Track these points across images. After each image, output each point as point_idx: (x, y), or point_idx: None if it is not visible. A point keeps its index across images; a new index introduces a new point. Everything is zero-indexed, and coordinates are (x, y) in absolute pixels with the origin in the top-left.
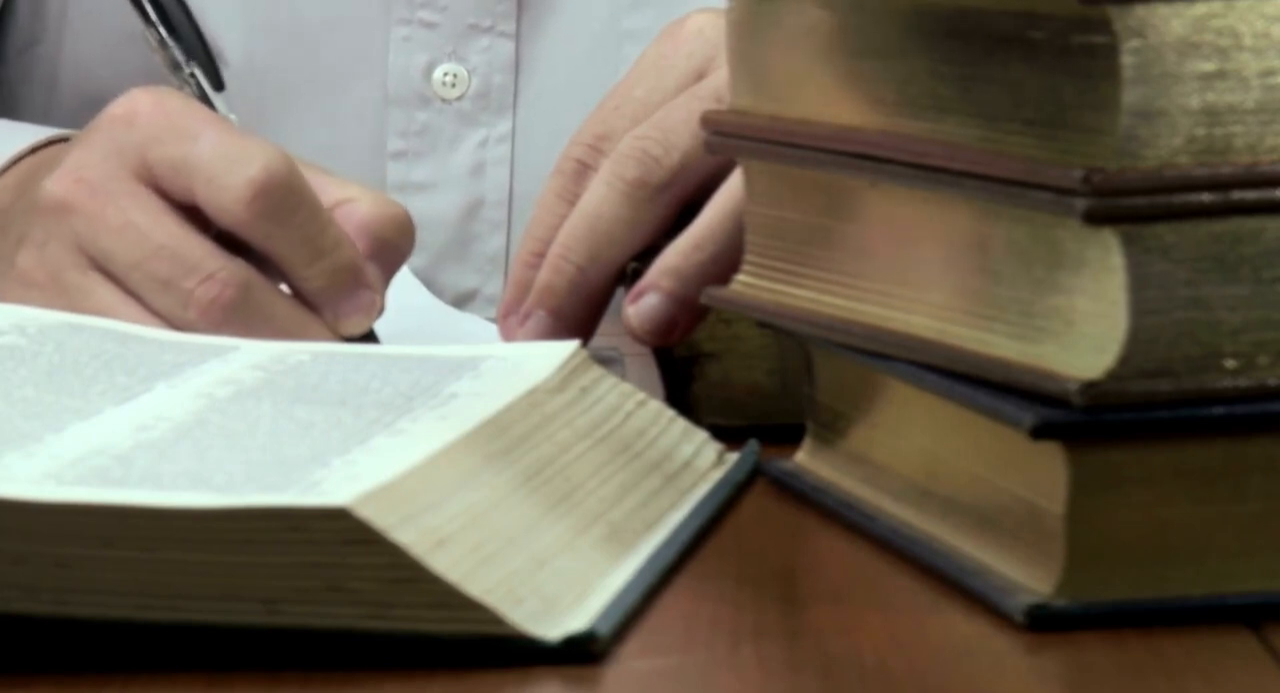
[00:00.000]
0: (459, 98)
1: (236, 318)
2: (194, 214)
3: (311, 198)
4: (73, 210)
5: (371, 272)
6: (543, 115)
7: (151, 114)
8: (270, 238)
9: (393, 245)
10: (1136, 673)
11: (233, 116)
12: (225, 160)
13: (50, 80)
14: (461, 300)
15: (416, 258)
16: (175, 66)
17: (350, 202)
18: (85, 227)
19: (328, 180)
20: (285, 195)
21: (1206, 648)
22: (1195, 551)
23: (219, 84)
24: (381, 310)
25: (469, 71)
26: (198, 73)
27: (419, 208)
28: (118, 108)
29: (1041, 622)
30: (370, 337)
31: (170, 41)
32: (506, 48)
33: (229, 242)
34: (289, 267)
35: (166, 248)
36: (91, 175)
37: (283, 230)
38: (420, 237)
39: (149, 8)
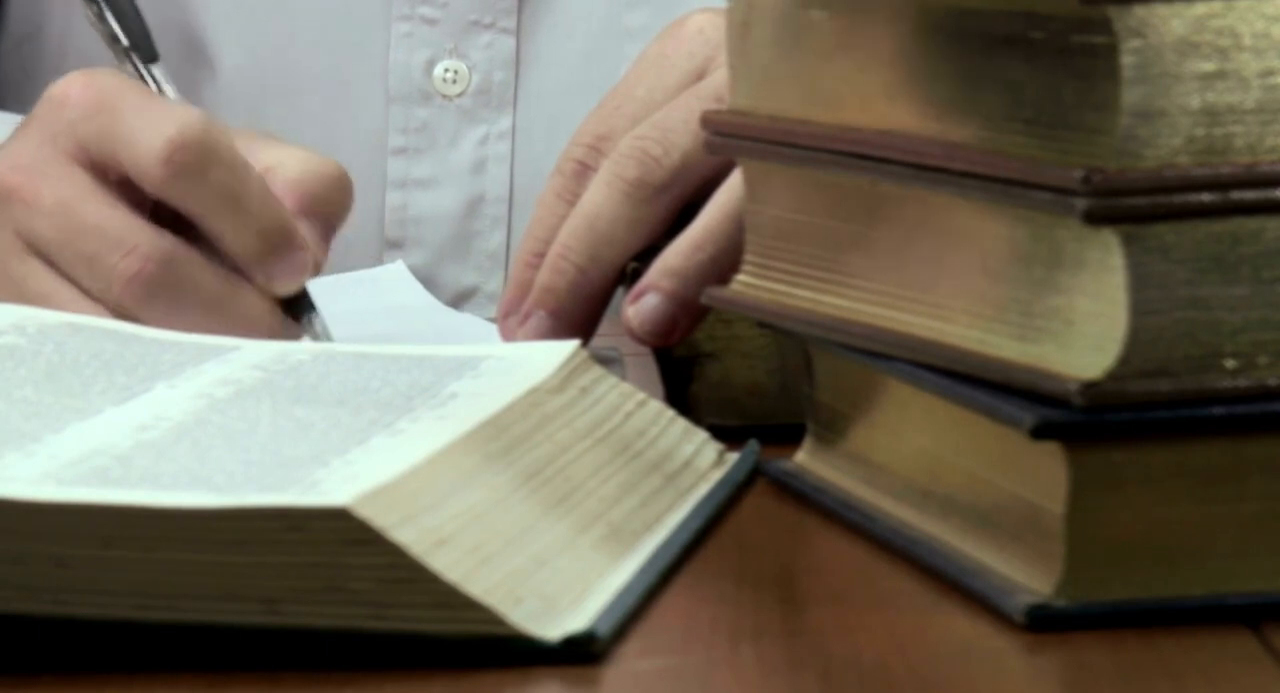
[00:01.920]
0: (460, 94)
1: (161, 292)
2: (132, 191)
3: (231, 155)
4: (10, 197)
5: (305, 229)
6: (543, 112)
7: (82, 94)
8: (188, 196)
9: (325, 200)
10: (1136, 673)
11: (169, 87)
12: (143, 125)
13: (49, 70)
14: (462, 297)
15: (417, 255)
16: (114, 39)
17: (280, 164)
18: (22, 212)
19: (262, 144)
20: (201, 153)
21: (1206, 648)
22: (1195, 551)
23: (152, 55)
24: (318, 269)
25: (470, 68)
26: (131, 49)
27: (420, 204)
28: (54, 91)
29: (1041, 622)
30: (304, 297)
31: (108, 14)
32: (507, 44)
33: (168, 220)
34: (213, 228)
35: (93, 225)
36: (27, 161)
37: (200, 189)
38: (420, 233)
39: None
